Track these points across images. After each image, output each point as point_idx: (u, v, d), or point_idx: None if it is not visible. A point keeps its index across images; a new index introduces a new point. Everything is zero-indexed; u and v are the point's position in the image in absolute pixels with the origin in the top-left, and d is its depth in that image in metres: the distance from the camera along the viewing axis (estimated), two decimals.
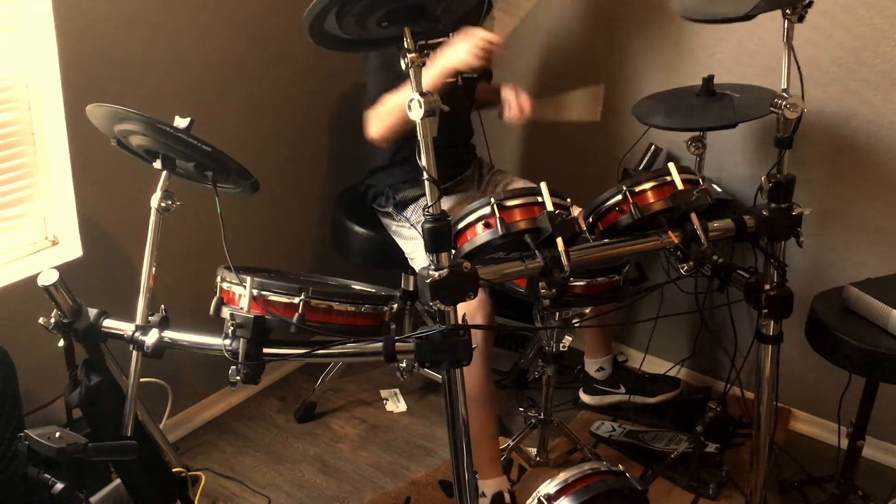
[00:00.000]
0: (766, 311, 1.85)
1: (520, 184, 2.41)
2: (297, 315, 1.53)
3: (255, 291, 1.55)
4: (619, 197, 1.65)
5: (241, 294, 1.56)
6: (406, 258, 2.31)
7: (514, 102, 2.18)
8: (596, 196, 1.70)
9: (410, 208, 2.30)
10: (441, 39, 2.05)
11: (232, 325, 1.54)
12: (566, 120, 2.18)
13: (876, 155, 2.24)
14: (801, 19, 1.68)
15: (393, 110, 2.05)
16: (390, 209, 2.33)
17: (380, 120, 2.11)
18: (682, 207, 1.61)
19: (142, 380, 1.68)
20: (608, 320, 2.46)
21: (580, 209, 1.76)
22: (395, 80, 2.02)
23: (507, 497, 2.08)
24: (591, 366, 2.60)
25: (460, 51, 1.93)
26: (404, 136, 2.18)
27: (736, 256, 2.26)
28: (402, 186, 2.32)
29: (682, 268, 1.68)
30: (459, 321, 1.50)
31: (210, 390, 2.58)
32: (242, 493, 2.26)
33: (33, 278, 1.61)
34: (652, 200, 1.64)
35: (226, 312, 1.57)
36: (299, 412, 2.60)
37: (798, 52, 1.71)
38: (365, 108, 2.15)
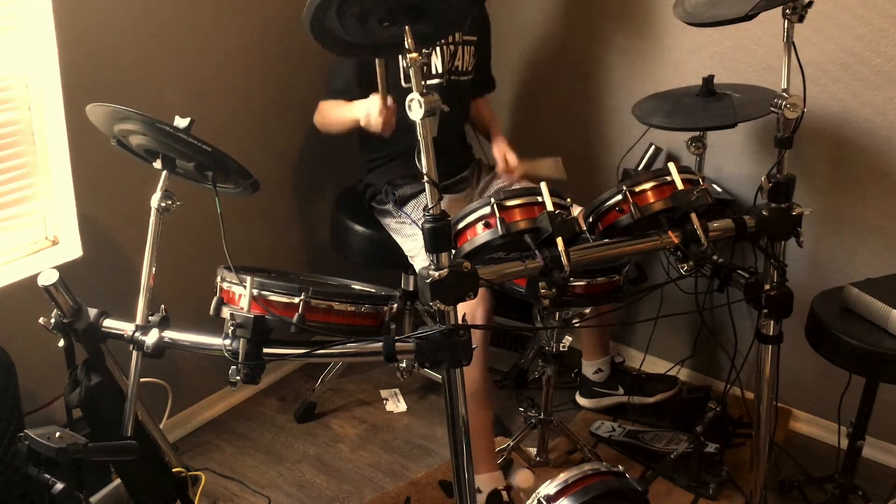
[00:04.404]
0: (766, 311, 1.85)
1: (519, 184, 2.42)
2: (297, 315, 1.53)
3: (255, 291, 1.55)
4: (619, 197, 1.64)
5: (241, 294, 1.57)
6: (406, 257, 2.31)
7: (502, 165, 2.37)
8: (596, 196, 1.70)
9: (411, 204, 2.30)
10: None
11: (232, 325, 1.54)
12: (536, 175, 2.37)
13: (876, 155, 2.23)
14: (801, 19, 1.68)
15: (333, 120, 2.32)
16: (390, 206, 2.33)
17: (321, 117, 2.37)
18: (682, 207, 1.61)
19: (142, 380, 1.68)
20: (608, 320, 2.46)
21: (580, 208, 1.76)
22: (345, 75, 2.23)
23: (504, 495, 2.08)
24: (589, 368, 2.60)
25: (364, 114, 2.12)
26: (400, 135, 2.21)
27: (736, 256, 2.27)
28: (400, 183, 2.32)
29: (682, 268, 1.68)
30: (459, 321, 1.50)
31: (210, 390, 2.58)
32: (242, 493, 2.26)
33: (33, 278, 1.61)
34: (652, 200, 1.64)
35: (226, 312, 1.58)
36: (299, 412, 2.60)
37: (798, 51, 1.71)
38: (322, 94, 2.35)
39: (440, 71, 2.28)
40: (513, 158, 2.36)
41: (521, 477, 2.17)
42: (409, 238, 2.28)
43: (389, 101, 2.03)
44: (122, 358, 1.70)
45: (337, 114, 2.28)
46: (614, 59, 2.63)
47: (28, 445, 1.37)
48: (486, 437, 2.17)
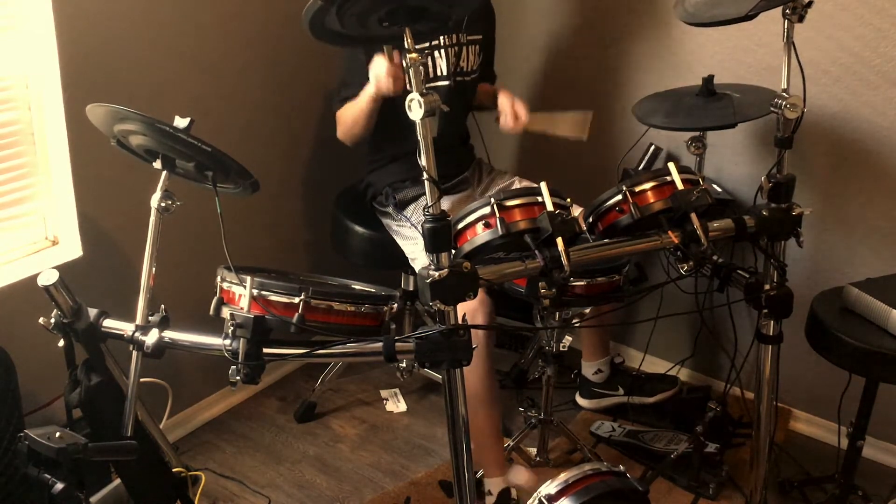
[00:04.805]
0: (766, 311, 1.86)
1: (520, 184, 2.42)
2: (297, 315, 1.53)
3: (255, 291, 1.55)
4: (619, 197, 1.65)
5: (241, 294, 1.57)
6: (406, 258, 2.30)
7: (510, 111, 2.16)
8: (596, 196, 1.70)
9: (411, 208, 2.30)
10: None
11: (232, 325, 1.54)
12: (554, 135, 2.19)
13: (876, 155, 2.24)
14: (801, 19, 1.68)
15: (353, 119, 2.21)
16: (390, 209, 2.33)
17: (342, 126, 2.28)
18: (682, 207, 1.61)
19: (142, 380, 1.68)
20: (608, 320, 2.46)
21: (580, 209, 1.76)
22: (356, 86, 2.16)
23: (513, 492, 2.08)
24: (589, 368, 2.60)
25: (373, 80, 2.04)
26: (403, 133, 2.20)
27: (736, 256, 2.26)
28: (401, 186, 2.32)
29: (682, 268, 1.68)
30: (459, 321, 1.50)
31: (210, 390, 2.58)
32: (242, 493, 2.26)
33: (33, 278, 1.61)
34: (652, 200, 1.64)
35: (226, 312, 1.58)
36: (299, 412, 2.60)
37: (798, 52, 1.71)
38: (334, 107, 2.29)
39: (445, 73, 2.28)
40: (521, 108, 2.15)
41: (523, 477, 2.16)
42: (410, 241, 2.28)
43: (395, 56, 1.92)
44: (122, 358, 1.70)
45: (353, 109, 2.20)
46: (614, 59, 2.63)
47: (28, 445, 1.37)
48: (494, 440, 2.15)
